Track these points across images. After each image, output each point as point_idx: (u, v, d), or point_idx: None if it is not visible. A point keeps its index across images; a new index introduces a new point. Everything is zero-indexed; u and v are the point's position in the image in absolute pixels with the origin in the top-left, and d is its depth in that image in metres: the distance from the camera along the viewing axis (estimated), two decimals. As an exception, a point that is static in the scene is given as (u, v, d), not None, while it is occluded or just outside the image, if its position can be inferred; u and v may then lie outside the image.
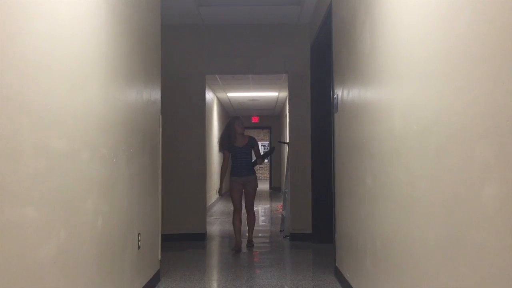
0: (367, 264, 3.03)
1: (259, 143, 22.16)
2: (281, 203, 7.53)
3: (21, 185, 1.70)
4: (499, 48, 1.38)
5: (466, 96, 1.59)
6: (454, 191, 1.68)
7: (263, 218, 9.37)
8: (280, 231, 6.87)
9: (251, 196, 5.80)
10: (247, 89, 10.71)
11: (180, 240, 6.05)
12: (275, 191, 15.20)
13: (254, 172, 5.79)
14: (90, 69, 2.42)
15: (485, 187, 1.45)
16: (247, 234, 6.00)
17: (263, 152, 6.08)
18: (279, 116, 15.26)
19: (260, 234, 7.14)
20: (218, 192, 5.95)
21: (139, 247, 3.36)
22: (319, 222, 5.88)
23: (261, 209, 10.90)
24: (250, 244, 5.91)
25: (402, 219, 2.30)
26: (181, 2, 5.45)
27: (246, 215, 5.93)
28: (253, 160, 5.76)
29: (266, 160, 6.81)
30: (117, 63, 2.89)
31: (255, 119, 15.90)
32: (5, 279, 1.59)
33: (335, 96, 4.22)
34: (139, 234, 3.37)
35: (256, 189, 5.82)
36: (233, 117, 5.91)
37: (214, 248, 6.14)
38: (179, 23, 6.12)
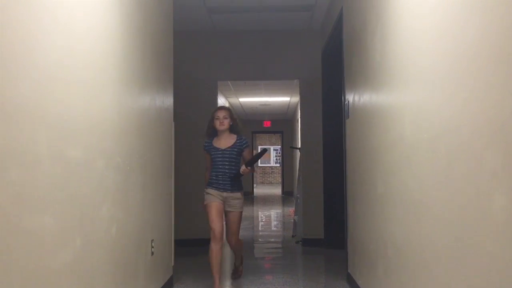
0: (379, 271, 3.04)
1: (271, 148, 22.10)
2: (293, 208, 7.55)
3: (39, 193, 1.74)
4: (507, 57, 1.39)
5: (474, 104, 1.60)
6: (464, 199, 1.69)
7: (275, 223, 9.39)
8: (292, 236, 6.87)
9: (233, 225, 4.13)
10: (259, 94, 10.75)
11: (193, 246, 6.08)
12: (287, 195, 15.20)
13: (240, 187, 4.13)
14: (104, 78, 2.47)
15: (494, 196, 1.46)
16: (234, 263, 4.57)
17: (252, 160, 4.17)
18: (291, 120, 15.27)
19: (272, 239, 7.15)
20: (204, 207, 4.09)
21: (152, 253, 3.40)
22: (331, 227, 5.88)
23: (273, 213, 10.91)
24: (236, 275, 4.47)
25: (413, 226, 2.31)
26: (194, 10, 5.51)
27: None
28: (241, 170, 4.06)
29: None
30: (130, 72, 2.94)
31: (267, 124, 15.93)
32: (22, 287, 1.63)
33: (346, 102, 4.23)
34: (152, 240, 3.41)
35: (241, 215, 4.16)
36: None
37: (227, 254, 6.16)
38: (191, 29, 6.18)
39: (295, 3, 5.41)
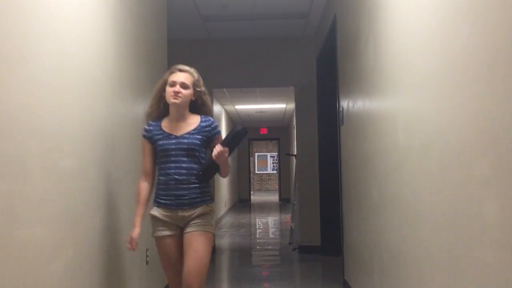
0: (374, 278, 3.03)
1: (268, 154, 22.06)
2: (290, 215, 7.54)
3: (30, 205, 1.73)
4: (496, 65, 1.40)
5: (466, 110, 1.60)
6: (456, 206, 1.69)
7: (273, 230, 9.37)
8: (289, 243, 6.86)
9: (197, 261, 2.38)
10: (255, 101, 10.76)
11: (189, 254, 6.05)
12: (284, 202, 15.18)
13: (208, 198, 2.51)
14: (97, 88, 2.47)
15: (485, 203, 1.46)
16: None
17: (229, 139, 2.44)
18: (288, 127, 15.29)
19: (270, 247, 7.13)
20: (129, 242, 2.48)
21: (147, 262, 3.39)
22: (328, 234, 5.87)
23: (271, 221, 10.89)
24: None
25: (407, 233, 2.31)
26: (189, 18, 5.52)
27: None
28: (215, 152, 2.40)
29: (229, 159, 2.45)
30: (124, 81, 2.94)
31: (263, 131, 15.95)
32: (15, 298, 1.62)
33: (341, 109, 4.24)
34: (147, 249, 3.40)
35: (211, 241, 2.48)
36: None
37: (223, 262, 6.14)
38: (186, 37, 6.19)
39: (289, 11, 5.44)
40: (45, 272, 1.84)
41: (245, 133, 2.45)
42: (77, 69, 2.19)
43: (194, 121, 2.53)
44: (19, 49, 1.68)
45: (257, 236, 8.49)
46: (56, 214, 1.94)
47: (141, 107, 3.38)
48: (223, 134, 2.51)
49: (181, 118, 2.51)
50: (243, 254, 6.64)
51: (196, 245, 2.40)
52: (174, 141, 2.46)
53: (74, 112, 2.15)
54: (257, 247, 7.23)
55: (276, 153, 18.18)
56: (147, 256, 3.38)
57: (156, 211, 2.48)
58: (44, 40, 1.87)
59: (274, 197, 17.97)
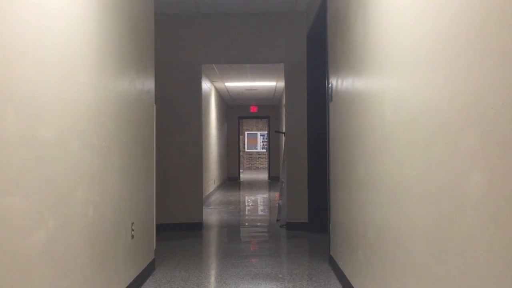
0: (359, 253, 3.04)
1: (258, 133, 22.06)
2: (279, 193, 7.56)
3: (7, 174, 1.69)
4: (484, 36, 1.37)
5: (452, 84, 1.58)
6: (441, 180, 1.68)
7: (261, 207, 9.40)
8: (277, 220, 6.89)
9: None
10: (245, 78, 10.67)
11: (176, 230, 6.06)
12: (273, 180, 15.22)
13: None
14: (79, 58, 2.41)
15: (471, 176, 1.45)
16: None
17: None
18: (278, 105, 15.24)
19: (258, 224, 7.16)
20: None
21: (132, 236, 3.37)
22: (315, 211, 5.90)
23: (259, 198, 10.93)
24: None
25: (392, 208, 2.30)
26: (176, -9, 5.41)
27: None
28: None
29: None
30: (107, 53, 2.88)
31: (253, 109, 15.87)
32: (-9, 269, 1.59)
33: (330, 85, 4.20)
34: (132, 223, 3.38)
35: None
36: None
37: (211, 238, 6.16)
38: (174, 11, 6.08)
39: (279, -15, 5.34)
40: (24, 242, 1.81)
41: None
42: (57, 38, 2.13)
43: None
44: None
45: (246, 213, 8.51)
46: (35, 184, 1.90)
47: (126, 80, 3.32)
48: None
49: None
50: (231, 230, 6.66)
51: None
52: None
53: (54, 83, 2.09)
54: (246, 223, 7.25)
55: (266, 132, 18.15)
56: (132, 230, 3.37)
57: None
58: (20, 9, 1.80)
59: (264, 176, 18.01)
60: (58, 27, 2.14)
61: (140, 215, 3.61)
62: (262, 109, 15.96)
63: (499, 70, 1.28)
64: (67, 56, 2.24)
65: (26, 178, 1.82)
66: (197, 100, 6.32)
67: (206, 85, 9.91)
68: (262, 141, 21.61)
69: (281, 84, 11.08)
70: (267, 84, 11.49)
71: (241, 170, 17.48)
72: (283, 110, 9.22)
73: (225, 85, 11.66)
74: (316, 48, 5.67)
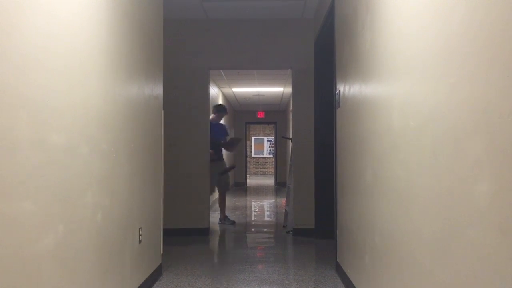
0: (366, 259, 3.04)
1: (265, 138, 22.02)
2: (285, 198, 7.55)
3: (18, 179, 1.71)
4: (490, 45, 1.38)
5: (459, 92, 1.59)
6: (448, 187, 1.68)
7: (268, 213, 9.40)
8: (284, 226, 6.88)
9: None
10: (252, 84, 10.70)
11: (183, 235, 6.08)
12: (280, 186, 15.21)
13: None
14: (89, 64, 2.44)
15: (477, 183, 1.46)
16: None
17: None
18: (285, 111, 15.25)
19: (265, 229, 7.16)
20: None
21: (140, 241, 3.39)
22: (322, 217, 5.89)
23: (266, 204, 10.93)
24: None
25: (399, 214, 2.30)
26: (185, -3, 5.45)
27: None
28: None
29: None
30: (117, 58, 2.91)
31: (260, 114, 15.90)
32: (2, 273, 1.61)
33: (337, 91, 4.21)
34: (140, 228, 3.40)
35: None
36: None
37: (217, 243, 6.17)
38: (183, 17, 6.13)
39: (287, -8, 5.37)
40: (34, 247, 1.83)
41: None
42: (68, 44, 2.16)
43: None
44: (3, 23, 1.65)
45: (252, 218, 8.52)
46: (45, 189, 1.92)
47: (136, 86, 3.35)
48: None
49: None
50: (237, 236, 6.67)
51: None
52: None
53: (64, 88, 2.12)
54: (252, 229, 7.26)
55: (273, 137, 18.16)
56: (140, 235, 3.38)
57: None
58: (32, 15, 1.83)
59: (270, 181, 18.00)
60: (70, 33, 2.17)
61: (147, 220, 3.63)
62: (269, 115, 15.97)
63: (505, 78, 1.29)
64: (78, 62, 2.27)
65: (37, 183, 1.85)
66: (205, 105, 6.34)
67: (213, 90, 9.94)
68: (269, 147, 21.62)
69: (288, 89, 11.10)
70: (274, 89, 11.51)
71: (247, 176, 17.48)
72: (290, 116, 9.23)
73: (232, 91, 11.70)
74: (324, 55, 5.68)
